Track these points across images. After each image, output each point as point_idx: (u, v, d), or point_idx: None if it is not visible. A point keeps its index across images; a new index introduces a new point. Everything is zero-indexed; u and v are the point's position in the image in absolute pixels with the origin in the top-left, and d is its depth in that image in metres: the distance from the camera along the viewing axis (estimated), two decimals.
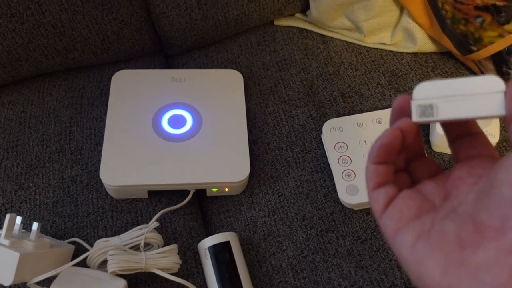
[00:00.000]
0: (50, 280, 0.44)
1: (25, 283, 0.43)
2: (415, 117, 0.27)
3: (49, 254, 0.46)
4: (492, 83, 0.25)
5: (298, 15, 0.70)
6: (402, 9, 0.65)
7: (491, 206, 0.23)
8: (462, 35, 0.58)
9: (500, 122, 0.56)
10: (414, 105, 0.27)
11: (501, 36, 0.55)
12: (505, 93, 0.24)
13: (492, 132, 0.53)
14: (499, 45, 0.55)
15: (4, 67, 0.59)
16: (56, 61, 0.62)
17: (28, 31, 0.57)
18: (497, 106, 0.25)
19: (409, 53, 0.65)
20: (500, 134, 0.55)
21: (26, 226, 0.51)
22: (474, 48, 0.58)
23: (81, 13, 0.58)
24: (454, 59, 0.65)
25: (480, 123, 0.53)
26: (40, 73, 0.63)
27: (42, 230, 0.52)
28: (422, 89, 0.27)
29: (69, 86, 0.63)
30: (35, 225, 0.45)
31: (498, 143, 0.56)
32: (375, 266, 0.49)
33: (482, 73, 0.61)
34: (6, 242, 0.42)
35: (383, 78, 0.63)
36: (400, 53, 0.66)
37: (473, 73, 0.63)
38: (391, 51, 0.66)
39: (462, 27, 0.57)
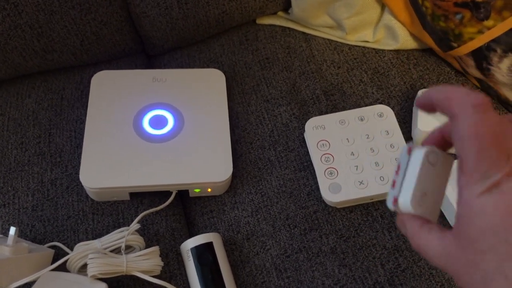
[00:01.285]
0: (29, 285, 0.43)
1: None
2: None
3: (27, 259, 0.45)
4: None
5: (280, 13, 0.70)
6: (383, 6, 0.65)
7: None
8: (442, 31, 0.58)
9: None
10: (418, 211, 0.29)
11: (480, 32, 0.55)
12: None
13: None
14: (479, 41, 0.56)
15: None
16: (35, 62, 0.61)
17: (4, 32, 0.56)
18: None
19: (391, 50, 0.66)
20: None
21: (5, 231, 0.50)
22: (455, 45, 0.58)
23: (58, 13, 0.57)
24: (436, 56, 0.65)
25: None
26: (19, 75, 0.62)
27: (21, 234, 0.51)
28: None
29: (48, 88, 0.62)
30: (12, 230, 0.44)
31: None
32: (359, 264, 0.49)
33: (463, 69, 0.61)
34: None
35: (366, 76, 0.63)
36: (382, 50, 0.66)
37: (454, 70, 0.64)
38: (373, 49, 0.66)
39: (442, 24, 0.58)
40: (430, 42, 0.61)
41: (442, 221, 0.51)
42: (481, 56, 0.57)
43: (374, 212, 0.52)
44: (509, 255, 0.23)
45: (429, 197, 0.29)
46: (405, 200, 0.28)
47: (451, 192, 0.28)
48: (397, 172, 0.30)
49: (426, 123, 0.55)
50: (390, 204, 0.29)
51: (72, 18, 0.58)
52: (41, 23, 0.57)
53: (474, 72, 0.59)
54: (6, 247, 0.43)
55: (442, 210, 0.51)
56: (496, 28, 0.54)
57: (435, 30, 0.59)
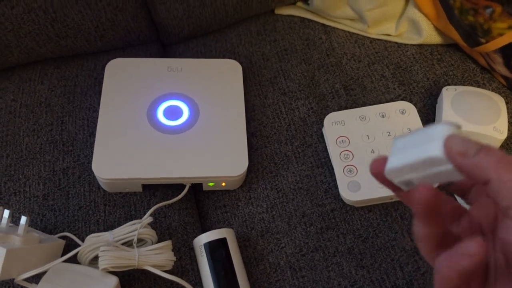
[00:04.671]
0: (39, 276, 0.42)
1: (13, 279, 0.42)
2: (405, 188, 0.29)
3: (38, 250, 0.44)
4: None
5: (299, 3, 0.68)
6: None
7: None
8: (470, 26, 0.56)
9: (508, 118, 0.54)
10: (395, 182, 0.29)
11: (511, 27, 0.53)
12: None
13: (500, 128, 0.51)
14: (509, 37, 0.53)
15: None
16: (48, 48, 0.60)
17: (18, 16, 0.55)
18: (455, 175, 0.26)
19: (414, 45, 0.63)
20: (508, 130, 0.53)
21: (15, 220, 0.49)
22: (483, 40, 0.56)
23: None
24: (461, 52, 0.62)
25: (487, 119, 0.51)
26: (31, 61, 0.61)
27: (32, 223, 0.50)
28: (393, 160, 0.28)
29: (61, 74, 0.61)
30: (23, 219, 0.43)
31: (506, 140, 0.54)
32: (377, 265, 0.48)
33: (490, 66, 0.59)
34: None
35: (387, 71, 0.61)
36: (405, 44, 0.63)
37: (480, 66, 0.61)
38: (396, 43, 0.64)
39: (471, 18, 0.55)
40: (456, 37, 0.59)
41: None
42: (511, 53, 0.54)
43: (394, 213, 0.50)
44: None
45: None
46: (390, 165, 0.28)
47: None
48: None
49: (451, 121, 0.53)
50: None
51: (87, 3, 0.57)
52: (56, 7, 0.56)
53: (502, 69, 0.57)
54: (17, 237, 0.42)
55: None
56: None
57: (463, 24, 0.56)
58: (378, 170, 0.29)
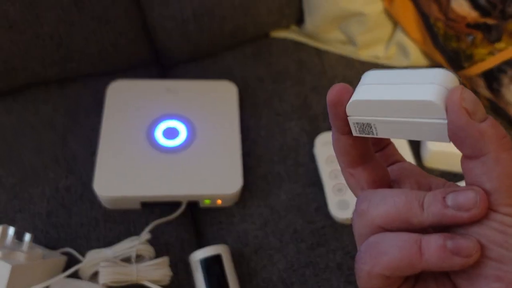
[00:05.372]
0: None
1: None
2: (354, 132, 0.24)
3: (41, 265, 0.46)
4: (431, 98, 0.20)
5: (293, 27, 0.71)
6: (395, 24, 0.66)
7: None
8: (454, 51, 0.59)
9: None
10: (351, 121, 0.23)
11: (491, 53, 0.56)
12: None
13: None
14: (489, 63, 0.56)
15: (0, 76, 0.60)
16: (54, 71, 0.63)
17: (26, 42, 0.58)
18: (440, 135, 0.21)
19: (402, 67, 0.66)
20: None
21: (20, 236, 0.51)
22: (466, 65, 0.59)
23: (78, 24, 0.59)
24: None
25: None
26: (37, 82, 0.64)
27: (35, 239, 0.52)
28: (363, 92, 0.23)
29: (65, 94, 0.64)
30: (27, 236, 0.45)
31: None
32: None
33: (474, 89, 0.62)
34: None
35: None
36: (394, 67, 0.66)
37: None
38: (385, 65, 0.67)
39: (454, 44, 0.58)
40: (441, 61, 0.62)
41: None
42: (492, 77, 0.57)
43: None
44: None
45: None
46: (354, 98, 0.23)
47: None
48: None
49: (436, 142, 0.55)
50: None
51: (91, 29, 0.60)
52: (61, 33, 0.59)
53: (485, 92, 0.60)
54: (21, 253, 0.44)
55: None
56: (507, 51, 0.55)
57: (447, 50, 0.59)
58: (338, 99, 0.23)
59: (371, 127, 0.23)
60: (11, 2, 0.54)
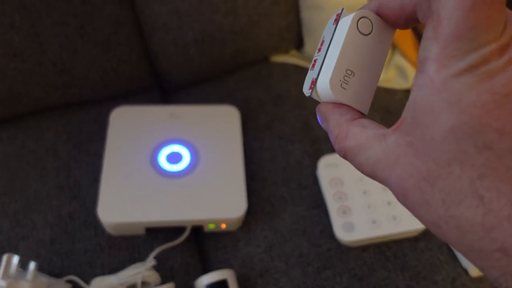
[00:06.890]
0: None
1: None
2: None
3: None
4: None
5: (293, 52, 0.72)
6: (394, 47, 0.67)
7: None
8: None
9: None
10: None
11: None
12: None
13: None
14: None
15: (4, 103, 0.60)
16: (56, 97, 0.63)
17: (29, 69, 0.58)
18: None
19: (401, 90, 0.67)
20: None
21: (24, 264, 0.51)
22: None
23: (81, 52, 0.60)
24: None
25: None
26: (39, 109, 0.64)
27: (39, 267, 0.51)
28: None
29: (67, 121, 0.64)
30: (32, 265, 0.45)
31: None
32: None
33: None
34: (3, 283, 0.42)
35: (377, 115, 0.64)
36: (393, 89, 0.67)
37: None
38: (384, 88, 0.68)
39: None
40: None
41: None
42: None
43: (387, 252, 0.53)
44: (488, 167, 0.16)
45: (358, 79, 0.21)
46: (323, 80, 0.21)
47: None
48: (319, 50, 0.23)
49: None
50: (306, 89, 0.22)
51: (93, 56, 0.61)
52: (64, 60, 0.59)
53: None
54: (26, 283, 0.43)
55: None
56: None
57: None
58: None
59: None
60: (15, 31, 0.55)
